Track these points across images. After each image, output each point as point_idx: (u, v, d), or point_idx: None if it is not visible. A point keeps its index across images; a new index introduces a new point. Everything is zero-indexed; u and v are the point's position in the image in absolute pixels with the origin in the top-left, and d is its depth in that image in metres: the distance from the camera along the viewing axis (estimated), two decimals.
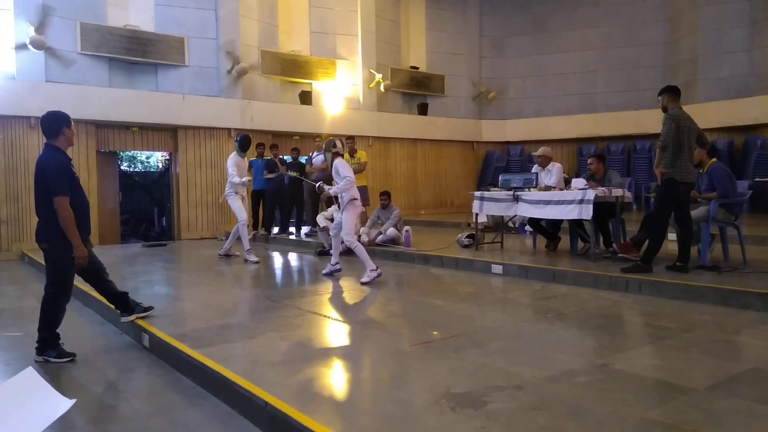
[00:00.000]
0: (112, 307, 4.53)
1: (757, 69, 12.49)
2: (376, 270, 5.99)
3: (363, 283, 5.90)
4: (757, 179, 11.09)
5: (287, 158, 10.60)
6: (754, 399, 2.71)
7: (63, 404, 1.90)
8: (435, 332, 4.04)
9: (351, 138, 9.78)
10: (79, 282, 4.35)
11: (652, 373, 3.18)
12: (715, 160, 6.07)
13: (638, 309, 4.74)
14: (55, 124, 3.92)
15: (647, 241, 5.67)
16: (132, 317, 4.41)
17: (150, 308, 4.56)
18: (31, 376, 2.13)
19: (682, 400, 2.71)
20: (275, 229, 10.83)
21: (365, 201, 9.31)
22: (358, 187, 9.34)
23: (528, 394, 2.82)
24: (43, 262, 4.06)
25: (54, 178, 3.78)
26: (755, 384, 2.94)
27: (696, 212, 5.78)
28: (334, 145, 6.32)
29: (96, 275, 4.28)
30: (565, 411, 2.64)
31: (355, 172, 9.38)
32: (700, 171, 6.01)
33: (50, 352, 3.90)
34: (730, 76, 12.76)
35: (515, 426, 2.47)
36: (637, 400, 2.73)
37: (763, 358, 3.36)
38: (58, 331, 3.99)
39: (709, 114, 11.91)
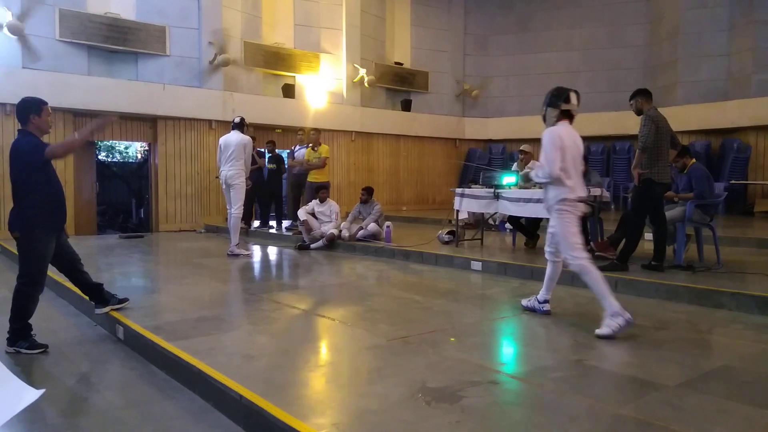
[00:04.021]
0: (87, 298, 4.46)
1: (735, 73, 12.69)
2: (620, 314, 3.68)
3: (600, 336, 3.71)
4: (732, 182, 11.29)
5: (264, 151, 10.49)
6: (723, 396, 2.76)
7: (30, 394, 1.85)
8: (452, 338, 4.03)
9: (316, 130, 9.58)
10: (53, 273, 4.27)
11: (626, 369, 3.22)
12: (694, 160, 6.17)
13: None
14: (23, 110, 3.87)
15: (624, 240, 5.74)
16: (106, 309, 4.35)
17: (125, 300, 4.49)
18: (21, 388, 2.06)
19: (653, 396, 2.75)
20: (255, 223, 10.76)
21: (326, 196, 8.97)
22: (319, 183, 9.20)
23: (503, 389, 2.84)
24: (16, 251, 3.98)
25: (30, 153, 3.74)
26: (725, 381, 3.00)
27: (672, 213, 5.86)
28: (566, 100, 4.09)
29: (71, 266, 4.22)
30: (539, 406, 2.66)
31: (315, 167, 9.12)
32: (683, 172, 6.09)
33: (21, 343, 3.83)
34: (709, 80, 12.95)
35: (489, 420, 2.48)
36: (610, 396, 2.77)
37: (734, 356, 3.43)
38: (30, 322, 3.92)
39: (687, 116, 12.09)
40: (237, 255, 7.65)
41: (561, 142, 3.94)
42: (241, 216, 7.86)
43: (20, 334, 3.86)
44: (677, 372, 3.11)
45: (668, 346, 3.61)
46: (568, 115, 4.08)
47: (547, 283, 4.35)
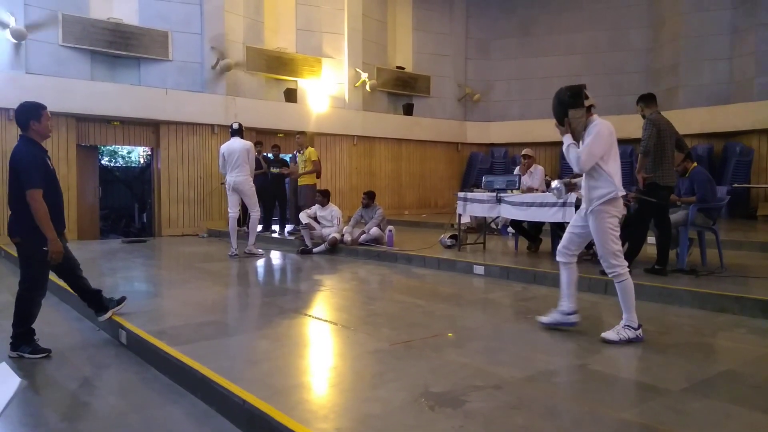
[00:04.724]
0: (85, 304, 4.45)
1: (737, 77, 12.68)
2: (636, 329, 3.72)
3: (606, 340, 3.73)
4: (735, 185, 11.27)
5: (269, 155, 10.55)
6: (728, 400, 2.75)
7: (14, 381, 1.86)
8: (450, 334, 4.04)
9: (301, 133, 9.48)
10: (55, 277, 4.27)
11: (629, 374, 3.21)
12: (696, 164, 6.15)
13: (616, 311, 4.73)
14: (23, 116, 3.87)
15: (627, 244, 5.72)
16: (108, 315, 4.34)
17: (123, 299, 4.48)
18: (3, 371, 2.08)
19: (657, 401, 2.74)
20: (258, 227, 10.76)
21: (311, 202, 8.88)
22: (306, 185, 9.06)
23: (506, 394, 2.83)
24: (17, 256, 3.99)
25: (26, 170, 3.73)
26: (729, 386, 2.98)
27: (675, 216, 5.85)
28: (585, 96, 3.83)
29: (70, 271, 4.20)
30: (543, 411, 2.65)
31: (308, 173, 8.95)
32: (684, 176, 6.09)
33: (24, 348, 3.83)
34: (711, 83, 12.95)
35: (493, 425, 2.47)
36: (613, 401, 2.76)
37: (738, 361, 3.41)
38: (33, 327, 3.92)
39: (690, 120, 12.08)
40: (254, 254, 8.18)
41: (612, 137, 3.74)
42: (259, 218, 8.42)
43: (23, 338, 3.86)
44: (681, 376, 3.10)
45: (672, 350, 3.60)
46: (590, 110, 3.83)
47: (568, 291, 4.01)
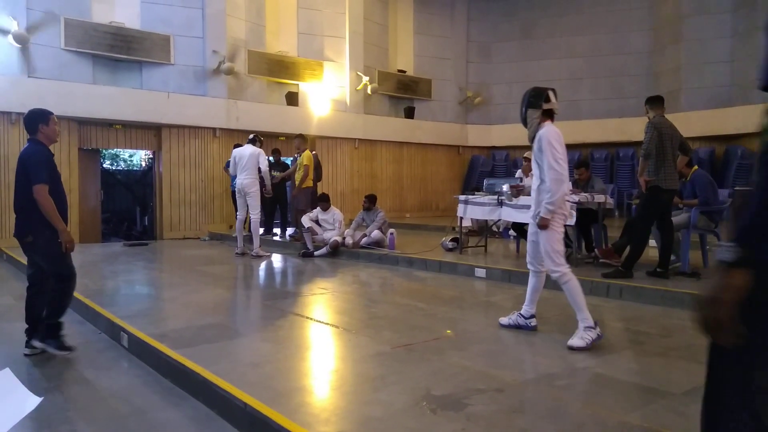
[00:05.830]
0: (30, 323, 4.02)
1: (738, 80, 12.68)
2: (594, 328, 3.68)
3: (572, 348, 3.64)
4: (737, 188, 11.25)
5: (270, 159, 10.56)
6: None
7: (30, 401, 1.86)
8: (449, 331, 4.09)
9: (299, 136, 9.36)
10: None
11: (632, 377, 3.20)
12: (696, 168, 6.15)
13: (618, 314, 4.78)
14: (31, 121, 3.99)
15: (628, 247, 5.72)
16: (43, 347, 3.88)
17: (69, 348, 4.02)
18: (6, 376, 2.09)
19: (660, 403, 2.73)
20: (260, 230, 10.76)
21: (308, 204, 8.87)
22: (303, 188, 9.12)
23: (508, 397, 2.82)
24: (21, 259, 3.99)
25: (35, 166, 3.80)
26: None
27: (677, 219, 5.85)
28: (546, 99, 3.98)
29: (40, 283, 4.03)
30: (545, 414, 2.65)
31: (300, 177, 8.85)
32: (683, 180, 6.09)
33: (51, 342, 3.86)
34: (713, 86, 12.94)
35: (495, 428, 2.47)
36: (615, 404, 2.75)
37: None
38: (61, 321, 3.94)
39: (691, 123, 12.06)
40: (260, 256, 8.35)
41: (560, 138, 3.83)
42: (259, 220, 8.70)
43: (52, 331, 3.88)
44: (683, 379, 3.09)
45: (674, 353, 3.59)
46: (550, 115, 3.95)
47: (533, 296, 4.12)
